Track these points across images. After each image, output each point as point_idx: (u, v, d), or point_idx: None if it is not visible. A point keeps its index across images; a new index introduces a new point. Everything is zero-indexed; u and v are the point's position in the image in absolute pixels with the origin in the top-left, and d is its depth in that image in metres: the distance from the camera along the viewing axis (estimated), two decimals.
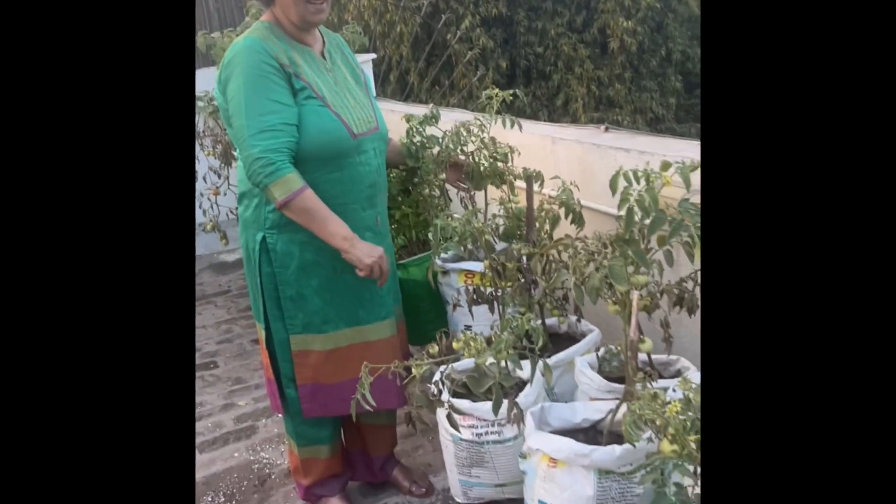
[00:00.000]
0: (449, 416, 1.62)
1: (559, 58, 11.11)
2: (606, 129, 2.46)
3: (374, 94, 2.03)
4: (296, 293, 1.88)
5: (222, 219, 3.71)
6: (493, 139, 2.10)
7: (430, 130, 2.20)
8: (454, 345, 1.58)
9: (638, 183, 1.48)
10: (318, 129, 1.77)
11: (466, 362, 1.78)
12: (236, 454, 2.64)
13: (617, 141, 2.34)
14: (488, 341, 1.57)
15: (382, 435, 2.26)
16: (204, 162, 3.66)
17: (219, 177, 3.56)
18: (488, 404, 1.73)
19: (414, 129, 2.09)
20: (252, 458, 2.60)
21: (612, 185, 1.50)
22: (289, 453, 2.21)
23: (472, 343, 1.54)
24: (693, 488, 1.25)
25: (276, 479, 2.46)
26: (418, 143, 2.11)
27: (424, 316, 2.27)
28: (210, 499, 2.39)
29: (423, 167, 1.97)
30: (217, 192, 3.56)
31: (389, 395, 1.93)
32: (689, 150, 2.08)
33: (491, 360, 1.51)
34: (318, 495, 2.20)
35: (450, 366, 1.68)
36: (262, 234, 1.85)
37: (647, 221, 1.48)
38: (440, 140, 2.10)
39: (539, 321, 1.59)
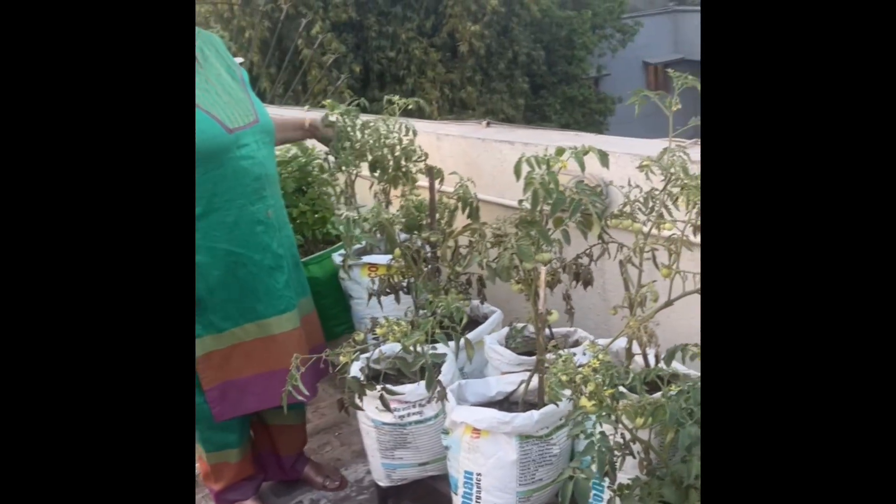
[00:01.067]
0: (382, 398, 1.68)
1: (412, 62, 11.35)
2: (488, 124, 2.61)
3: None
4: None
5: None
6: (410, 139, 2.18)
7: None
8: (377, 331, 1.64)
9: (539, 168, 1.62)
10: None
11: (390, 348, 1.85)
12: None
13: (499, 135, 2.49)
14: (412, 324, 1.65)
15: (292, 434, 2.27)
16: None
17: None
18: (409, 387, 1.81)
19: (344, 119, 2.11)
20: None
21: (517, 171, 1.62)
22: (198, 460, 2.17)
23: (395, 328, 1.61)
24: (613, 436, 1.40)
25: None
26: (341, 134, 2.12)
27: (328, 312, 2.30)
28: None
29: (341, 158, 2.01)
30: None
31: (257, 397, 1.99)
32: (567, 140, 2.26)
33: (415, 341, 1.59)
34: (231, 500, 2.18)
35: (378, 350, 1.74)
36: None
37: (549, 203, 1.62)
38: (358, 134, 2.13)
39: (463, 301, 1.68)
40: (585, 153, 1.65)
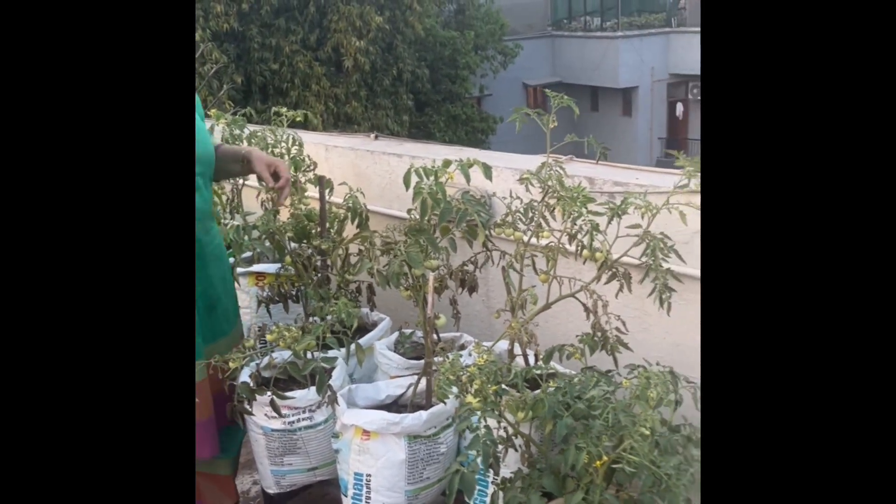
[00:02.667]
0: (272, 402, 1.69)
1: (295, 75, 11.23)
2: (377, 136, 2.67)
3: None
4: None
5: None
6: (297, 150, 2.20)
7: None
8: (268, 337, 1.66)
9: (428, 179, 1.70)
10: None
11: (280, 355, 1.86)
12: None
13: (388, 147, 2.56)
14: (303, 330, 1.67)
15: (220, 487, 2.03)
16: None
17: None
18: (299, 392, 1.83)
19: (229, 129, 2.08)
20: None
21: (406, 182, 1.69)
22: None
23: (286, 333, 1.63)
24: (497, 430, 1.49)
25: None
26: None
27: None
28: None
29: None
30: None
31: (202, 444, 1.80)
32: (452, 154, 2.35)
33: (305, 346, 1.62)
34: None
35: (269, 356, 1.75)
36: None
37: (437, 213, 1.70)
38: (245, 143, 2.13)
39: (354, 307, 1.72)
40: (471, 166, 1.75)
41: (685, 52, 17.93)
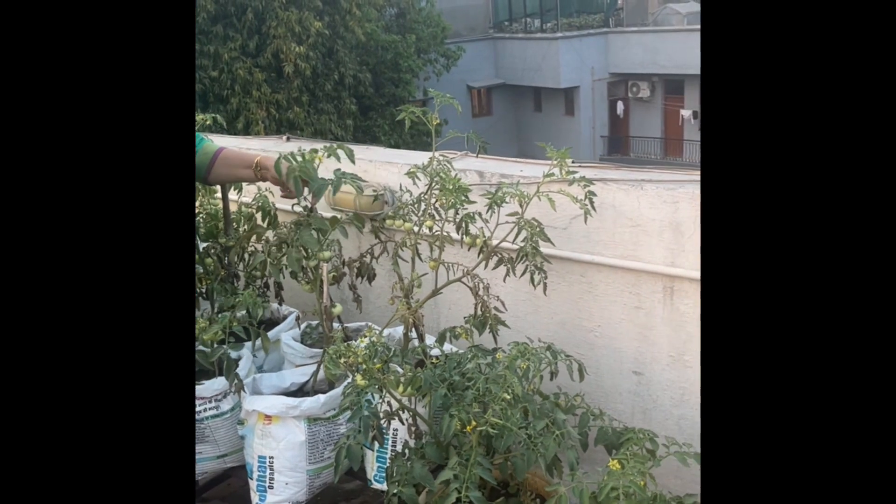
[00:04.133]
0: None
1: (235, 81, 11.20)
2: (288, 138, 2.76)
3: None
4: None
5: None
6: None
7: None
8: None
9: (297, 161, 1.77)
10: None
11: None
12: None
13: (296, 147, 2.65)
14: (210, 321, 1.76)
15: None
16: None
17: None
18: (206, 382, 1.91)
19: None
20: None
21: (277, 168, 1.76)
22: None
23: (196, 324, 1.72)
24: (381, 405, 1.60)
25: None
26: None
27: None
28: None
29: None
30: None
31: None
32: (360, 153, 2.46)
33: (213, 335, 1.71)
34: None
35: None
36: None
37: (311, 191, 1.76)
38: None
39: (260, 301, 1.82)
40: (334, 152, 1.82)
41: (623, 51, 18.38)
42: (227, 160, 1.97)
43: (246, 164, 1.94)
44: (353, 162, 1.79)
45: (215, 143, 2.07)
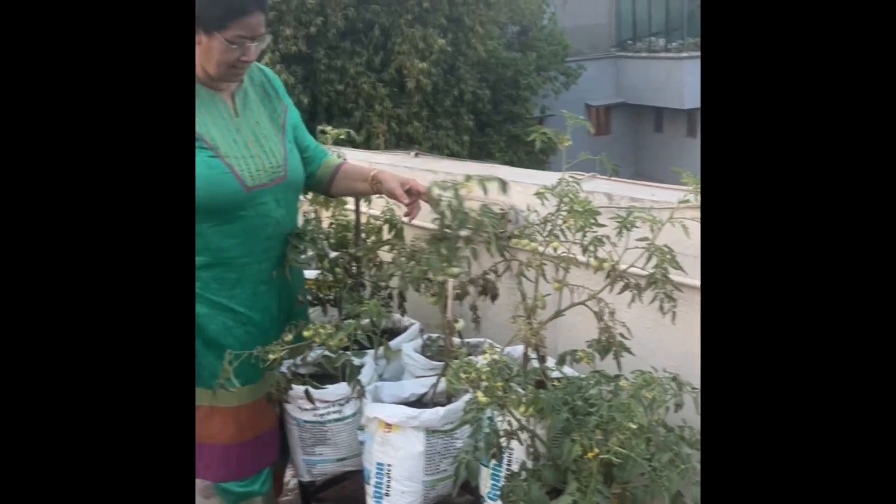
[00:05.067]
0: (307, 392, 1.86)
1: (359, 95, 11.56)
2: (416, 154, 2.84)
3: (297, 130, 2.06)
4: None
5: None
6: None
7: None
8: (305, 333, 1.82)
9: (448, 192, 1.84)
10: (206, 180, 1.74)
11: (315, 354, 2.02)
12: None
13: (426, 164, 2.73)
14: (337, 328, 1.83)
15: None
16: None
17: None
18: (330, 387, 1.99)
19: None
20: None
21: (428, 194, 1.84)
22: None
23: (321, 330, 1.80)
24: (502, 422, 1.61)
25: None
26: None
27: None
28: None
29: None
30: None
31: (273, 448, 2.04)
32: (485, 171, 2.49)
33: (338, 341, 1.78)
34: None
35: (307, 351, 1.92)
36: None
37: (455, 222, 1.84)
38: None
39: (384, 310, 1.88)
40: (488, 181, 1.88)
41: None
42: (346, 174, 2.09)
43: (363, 177, 2.04)
44: (505, 193, 1.83)
45: (336, 157, 2.17)
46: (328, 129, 2.40)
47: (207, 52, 1.76)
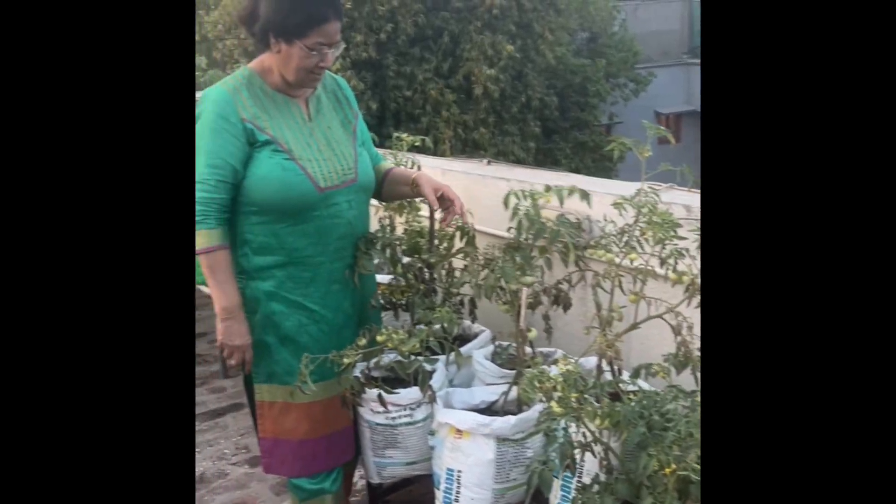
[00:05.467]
0: (380, 396, 1.88)
1: (427, 101, 11.64)
2: (489, 162, 2.85)
3: (366, 139, 2.12)
4: (259, 341, 1.93)
5: None
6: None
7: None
8: (378, 338, 1.85)
9: (525, 201, 1.84)
10: (281, 182, 1.82)
11: (387, 358, 2.05)
12: None
13: (498, 172, 2.73)
14: (409, 334, 1.86)
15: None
16: None
17: None
18: (402, 391, 2.01)
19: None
20: None
21: (506, 203, 1.85)
22: None
23: (394, 336, 1.82)
24: (576, 435, 1.60)
25: None
26: None
27: None
28: None
29: None
30: None
31: (348, 447, 2.09)
32: (559, 180, 2.48)
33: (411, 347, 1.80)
34: None
35: (379, 356, 1.95)
36: (239, 279, 1.91)
37: (532, 232, 1.84)
38: None
39: (456, 316, 1.90)
40: (568, 191, 1.88)
41: None
42: (393, 178, 2.15)
43: (406, 181, 2.10)
44: (589, 205, 1.82)
45: (391, 162, 2.23)
46: (404, 135, 2.43)
47: (287, 58, 1.84)
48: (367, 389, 1.92)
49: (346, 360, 1.81)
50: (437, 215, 2.11)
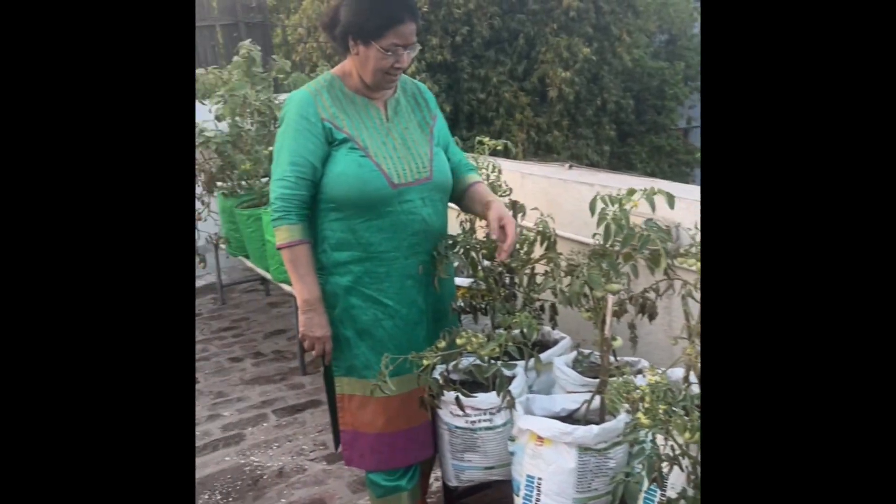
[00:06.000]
0: (457, 399, 1.88)
1: (500, 104, 11.61)
2: (570, 166, 2.81)
3: (447, 142, 2.15)
4: (338, 334, 1.99)
5: (201, 243, 3.90)
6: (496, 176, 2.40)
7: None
8: (458, 341, 1.85)
9: (612, 205, 1.81)
10: (357, 177, 1.89)
11: (467, 361, 2.05)
12: (227, 458, 2.81)
13: (580, 176, 2.70)
14: (489, 338, 1.85)
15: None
16: None
17: (202, 203, 3.76)
18: (481, 395, 2.00)
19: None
20: (242, 461, 2.79)
21: (591, 208, 1.82)
22: None
23: (473, 339, 1.82)
24: (663, 447, 1.55)
25: (269, 479, 2.65)
26: None
27: None
28: (207, 497, 2.56)
29: None
30: (199, 217, 3.75)
31: (426, 446, 2.10)
32: (642, 183, 2.43)
33: (490, 351, 1.79)
34: None
35: (459, 359, 1.95)
36: (319, 275, 1.97)
37: (620, 238, 1.80)
38: None
39: (536, 322, 1.88)
40: (655, 195, 1.84)
41: None
42: (472, 195, 2.14)
43: (482, 201, 2.11)
44: (672, 207, 1.78)
45: (478, 174, 2.22)
46: (486, 139, 2.42)
47: (364, 60, 1.91)
48: (445, 392, 1.92)
49: (425, 362, 1.81)
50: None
